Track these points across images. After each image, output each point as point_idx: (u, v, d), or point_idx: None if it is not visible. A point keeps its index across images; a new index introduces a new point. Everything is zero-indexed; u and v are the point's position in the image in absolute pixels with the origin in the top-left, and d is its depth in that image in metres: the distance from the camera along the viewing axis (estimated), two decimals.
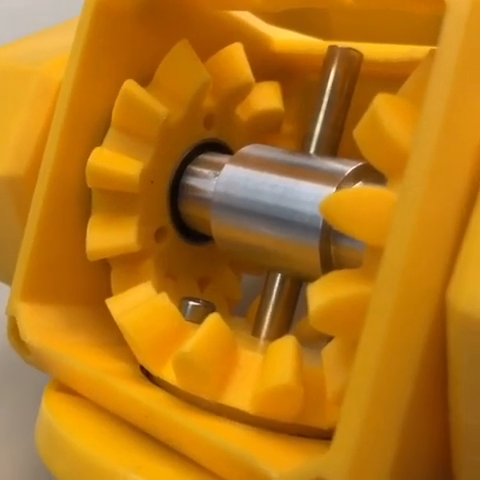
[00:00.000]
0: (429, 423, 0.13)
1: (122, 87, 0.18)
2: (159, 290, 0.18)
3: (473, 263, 0.11)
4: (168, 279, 0.20)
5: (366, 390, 0.12)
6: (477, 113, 0.12)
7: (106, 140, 0.18)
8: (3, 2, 0.39)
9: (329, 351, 0.15)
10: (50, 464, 0.16)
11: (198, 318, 0.17)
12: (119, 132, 0.18)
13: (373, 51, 0.21)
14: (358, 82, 0.20)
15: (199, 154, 0.20)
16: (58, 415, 0.17)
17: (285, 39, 0.22)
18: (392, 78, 0.17)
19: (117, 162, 0.18)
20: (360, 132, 0.14)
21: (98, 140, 0.19)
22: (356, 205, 0.13)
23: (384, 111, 0.14)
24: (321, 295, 0.14)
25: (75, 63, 0.18)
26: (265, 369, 0.15)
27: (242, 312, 0.22)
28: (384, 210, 0.13)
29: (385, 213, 0.13)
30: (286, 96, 0.23)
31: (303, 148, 0.19)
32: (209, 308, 0.18)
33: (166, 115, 0.18)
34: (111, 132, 0.18)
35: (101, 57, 0.19)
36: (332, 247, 0.17)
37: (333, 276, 0.14)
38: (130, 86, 0.18)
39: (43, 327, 0.19)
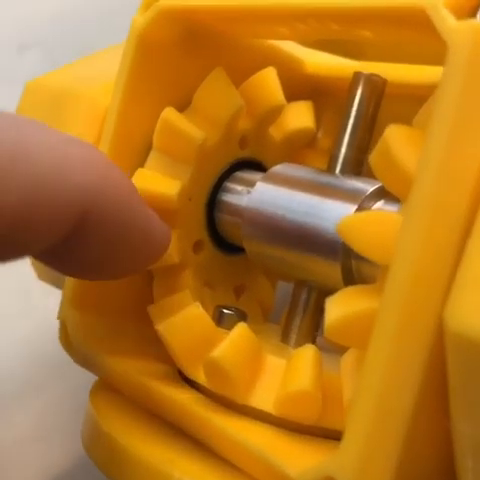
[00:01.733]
0: (432, 429, 0.14)
1: (161, 114, 0.19)
2: (197, 299, 0.19)
3: (467, 285, 0.13)
4: (205, 288, 0.22)
5: (372, 397, 0.13)
6: (477, 144, 0.13)
7: (148, 161, 0.20)
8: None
9: (346, 359, 0.16)
10: (93, 456, 0.18)
11: (231, 325, 0.19)
12: (160, 154, 0.20)
13: (401, 72, 0.22)
14: (387, 102, 0.21)
15: (235, 171, 0.22)
16: (102, 412, 0.18)
17: (317, 61, 0.24)
18: (420, 98, 0.19)
19: (157, 182, 0.19)
20: (374, 158, 0.15)
21: (142, 161, 0.20)
22: (368, 227, 0.15)
23: (394, 140, 0.15)
24: (336, 309, 0.15)
25: (120, 90, 0.20)
26: (287, 375, 0.16)
27: (279, 318, 0.23)
28: (393, 232, 0.14)
29: (394, 234, 0.14)
30: (319, 114, 0.24)
31: (329, 168, 0.20)
32: (241, 316, 0.20)
33: (202, 139, 0.20)
34: (152, 154, 0.20)
35: (143, 84, 0.20)
36: (353, 262, 0.18)
37: (349, 291, 0.16)
38: (169, 113, 0.19)
39: (90, 332, 0.20)
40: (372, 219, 0.15)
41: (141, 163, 0.20)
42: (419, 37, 0.16)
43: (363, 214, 0.15)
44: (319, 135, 0.25)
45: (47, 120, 0.22)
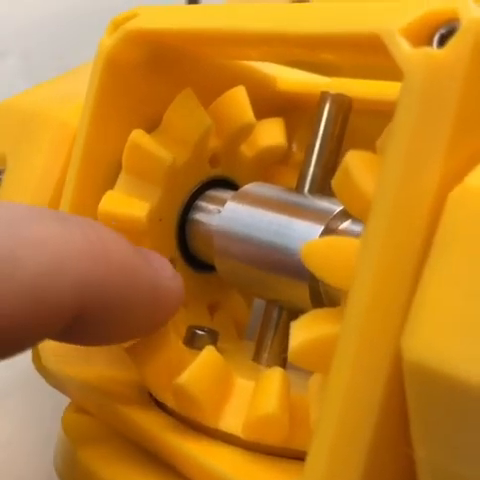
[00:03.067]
0: (393, 454, 0.14)
1: (130, 137, 0.19)
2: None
3: (423, 314, 0.13)
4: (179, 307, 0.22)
5: (333, 422, 0.14)
6: (431, 169, 0.13)
7: (117, 183, 0.20)
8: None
9: (313, 382, 0.16)
10: (63, 478, 0.18)
11: (203, 346, 0.19)
12: (129, 176, 0.20)
13: (370, 89, 0.22)
14: (358, 117, 0.21)
15: (206, 190, 0.22)
16: (73, 436, 0.19)
17: (289, 78, 0.24)
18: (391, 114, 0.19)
19: (126, 204, 0.19)
20: (335, 182, 0.15)
21: (111, 183, 0.20)
22: (328, 252, 0.15)
23: (354, 165, 0.15)
24: (300, 334, 0.15)
25: (88, 112, 0.20)
26: (254, 398, 0.16)
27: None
28: (352, 257, 0.14)
29: (352, 260, 0.14)
30: (292, 129, 0.24)
31: (298, 186, 0.20)
32: (213, 336, 0.20)
33: (171, 160, 0.20)
34: (122, 176, 0.20)
35: (111, 106, 0.20)
36: (321, 284, 0.18)
37: (313, 315, 0.16)
38: (137, 135, 0.20)
39: (61, 354, 0.20)
40: (333, 245, 0.15)
41: (110, 185, 0.20)
42: (378, 61, 0.16)
43: (324, 240, 0.15)
44: (293, 150, 0.25)
45: (17, 142, 0.22)
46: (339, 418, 0.14)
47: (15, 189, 0.21)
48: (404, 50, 0.14)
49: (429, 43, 0.14)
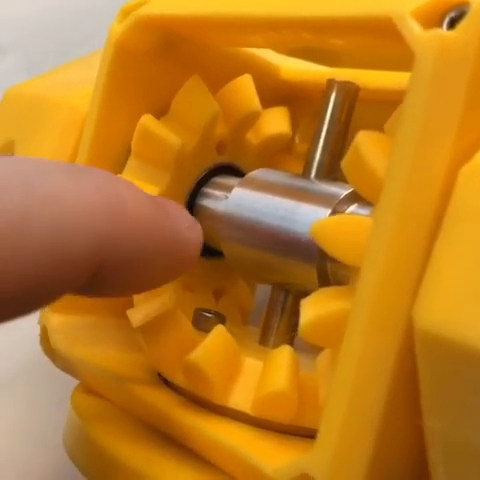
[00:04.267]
0: (404, 426, 0.14)
1: (139, 121, 0.20)
2: (177, 302, 0.20)
3: (435, 285, 0.13)
4: (186, 291, 0.22)
5: (344, 395, 0.14)
6: (442, 149, 0.14)
7: (126, 168, 0.20)
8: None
9: (322, 359, 0.16)
10: (75, 458, 0.19)
11: (210, 328, 0.19)
12: (138, 160, 0.20)
13: (374, 78, 0.22)
14: (362, 107, 0.21)
15: (213, 177, 0.22)
16: (83, 415, 0.19)
17: (293, 67, 0.24)
18: (393, 103, 0.19)
19: None
20: (345, 163, 0.16)
21: (120, 167, 0.21)
22: (339, 230, 0.15)
23: (365, 145, 0.15)
24: (310, 310, 0.15)
25: (98, 97, 0.20)
26: (263, 376, 0.17)
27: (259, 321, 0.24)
28: (364, 234, 0.15)
29: (364, 237, 0.15)
30: (297, 119, 0.25)
31: (305, 172, 0.21)
32: (220, 319, 0.20)
33: (180, 145, 0.20)
34: (131, 160, 0.20)
35: (121, 91, 0.20)
36: (328, 265, 0.18)
37: (323, 292, 0.16)
38: (146, 120, 0.20)
39: (71, 336, 0.21)
40: (344, 222, 0.15)
41: (119, 170, 0.20)
42: (389, 45, 0.16)
43: (335, 218, 0.16)
44: (296, 140, 0.25)
45: (26, 128, 0.22)
46: (350, 391, 0.14)
47: None
48: (415, 32, 0.14)
49: (439, 26, 0.15)
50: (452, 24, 0.14)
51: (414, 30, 0.14)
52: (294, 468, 0.14)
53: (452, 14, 0.15)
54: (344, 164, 0.16)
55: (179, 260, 0.17)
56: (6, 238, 0.13)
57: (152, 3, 0.20)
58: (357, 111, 0.21)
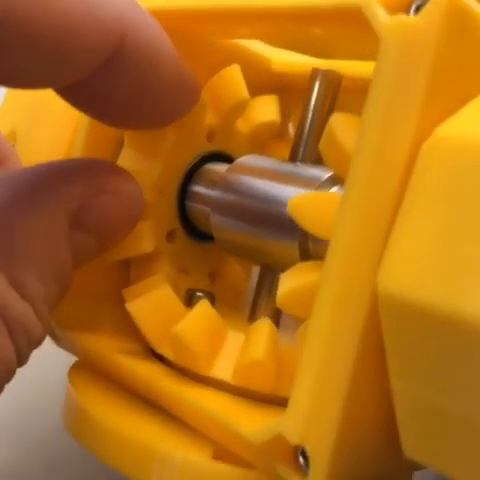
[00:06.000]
0: (372, 389, 0.15)
1: None
2: (172, 283, 0.21)
3: (396, 253, 0.14)
4: (181, 274, 0.23)
5: (314, 360, 0.15)
6: (405, 129, 0.15)
7: (120, 157, 0.21)
8: None
9: (301, 331, 0.17)
10: (75, 434, 0.20)
11: None
12: (131, 151, 0.21)
13: (357, 68, 0.23)
14: (345, 95, 0.22)
15: (204, 164, 0.23)
16: (79, 389, 0.20)
17: (283, 58, 0.25)
18: None
19: None
20: (322, 143, 0.17)
21: (115, 156, 0.22)
22: (312, 205, 0.16)
23: (338, 126, 0.16)
24: (287, 281, 0.16)
25: None
26: (244, 347, 0.18)
27: None
28: (334, 209, 0.15)
29: (334, 212, 0.15)
30: (288, 108, 0.25)
31: (291, 158, 0.22)
32: (210, 297, 0.21)
33: (172, 134, 0.21)
34: (124, 151, 0.21)
35: None
36: (310, 244, 0.19)
37: (301, 266, 0.17)
38: None
39: (70, 317, 0.22)
40: (317, 198, 0.16)
41: (114, 158, 0.21)
42: (360, 33, 0.17)
43: (310, 194, 0.17)
44: (289, 128, 0.26)
45: (27, 117, 0.23)
46: (320, 356, 0.15)
47: (25, 163, 0.22)
48: (380, 17, 0.15)
49: (406, 12, 0.15)
50: (418, 10, 0.15)
51: (380, 17, 0.15)
52: (269, 430, 0.15)
53: (419, 1, 0.15)
54: (321, 145, 0.17)
55: (184, 90, 0.19)
56: None
57: None
58: (342, 99, 0.22)
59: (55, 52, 0.15)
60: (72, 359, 0.22)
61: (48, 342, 0.22)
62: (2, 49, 0.15)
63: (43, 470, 0.25)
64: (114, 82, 0.17)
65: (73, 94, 0.18)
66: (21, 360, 0.17)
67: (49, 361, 0.25)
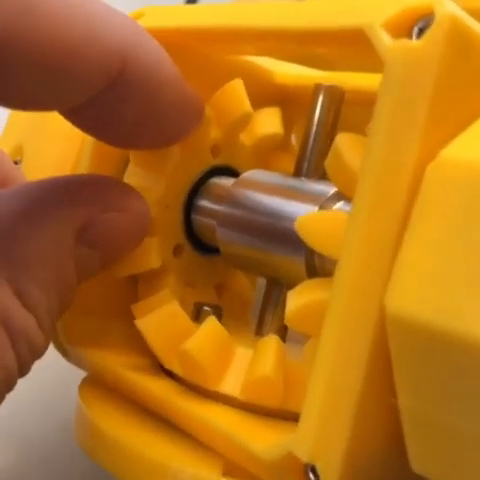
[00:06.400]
0: (380, 406, 0.15)
1: None
2: (179, 298, 0.21)
3: (403, 274, 0.14)
4: (188, 288, 0.23)
5: (323, 378, 0.15)
6: (409, 149, 0.15)
7: (126, 173, 0.22)
8: None
9: (308, 347, 0.18)
10: (86, 449, 0.20)
11: None
12: (137, 167, 0.21)
13: (361, 81, 0.23)
14: (348, 107, 0.22)
15: (209, 178, 0.23)
16: (90, 405, 0.20)
17: (286, 71, 0.25)
18: None
19: None
20: (328, 162, 0.17)
21: (121, 173, 0.22)
22: (320, 224, 0.16)
23: (343, 145, 0.16)
24: (295, 299, 0.17)
25: None
26: (252, 363, 0.18)
27: None
28: (342, 228, 0.16)
29: (343, 230, 0.16)
30: (291, 120, 0.26)
31: (296, 172, 0.22)
32: (217, 311, 0.21)
33: (176, 151, 0.21)
34: (130, 168, 0.22)
35: None
36: (316, 260, 0.19)
37: (309, 283, 0.17)
38: None
39: (79, 333, 0.22)
40: (325, 217, 0.17)
41: (120, 175, 0.22)
42: (363, 51, 0.17)
43: (317, 213, 0.17)
44: (293, 140, 0.26)
45: (33, 132, 0.24)
46: (329, 375, 0.15)
47: (32, 178, 0.23)
48: (385, 41, 0.15)
49: (409, 36, 0.16)
50: (420, 34, 0.16)
51: (384, 40, 0.15)
52: (280, 447, 0.16)
53: (420, 24, 0.16)
54: (326, 164, 0.17)
55: (187, 111, 0.19)
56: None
57: (148, 16, 0.21)
58: (346, 112, 0.22)
59: (57, 76, 0.16)
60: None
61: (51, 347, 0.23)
62: (5, 71, 0.15)
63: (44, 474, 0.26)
64: (117, 105, 0.17)
65: (76, 116, 0.18)
66: (22, 370, 0.17)
67: (50, 367, 0.26)
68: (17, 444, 0.27)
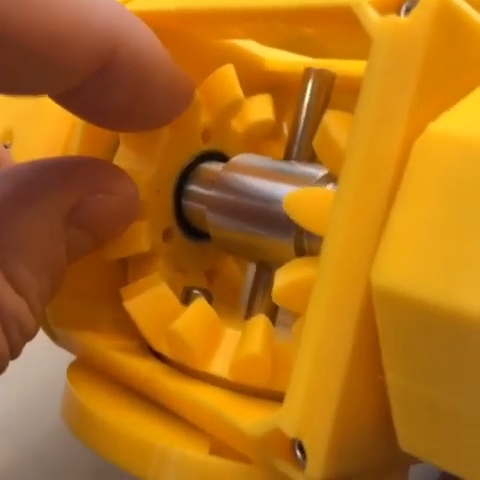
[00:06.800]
0: (367, 382, 0.15)
1: None
2: (168, 282, 0.21)
3: (390, 248, 0.14)
4: (177, 273, 0.23)
5: (310, 354, 0.15)
6: (396, 126, 0.15)
7: (116, 156, 0.22)
8: None
9: (296, 327, 0.18)
10: (74, 429, 0.20)
11: None
12: (127, 150, 0.21)
13: (350, 67, 0.23)
14: (338, 93, 0.22)
15: (200, 163, 0.23)
16: (79, 387, 0.20)
17: (277, 58, 0.25)
18: None
19: None
20: (316, 142, 0.17)
21: (111, 155, 0.22)
22: (307, 201, 0.16)
23: (331, 124, 0.16)
24: (283, 276, 0.17)
25: None
26: (240, 342, 0.18)
27: None
28: (329, 205, 0.16)
29: (330, 208, 0.16)
30: (283, 107, 0.26)
31: (286, 156, 0.22)
32: (207, 295, 0.21)
33: (167, 134, 0.21)
34: (120, 150, 0.21)
35: None
36: (305, 241, 0.19)
37: (297, 262, 0.17)
38: None
39: (68, 316, 0.22)
40: (312, 194, 0.16)
41: (110, 157, 0.22)
42: (352, 31, 0.17)
43: (305, 190, 0.17)
44: (284, 127, 0.26)
45: (23, 116, 0.24)
46: (316, 350, 0.15)
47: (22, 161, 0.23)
48: (372, 18, 0.15)
49: (397, 13, 0.16)
50: (408, 11, 0.16)
51: (371, 16, 0.15)
52: (267, 423, 0.16)
53: (409, 2, 0.16)
54: (315, 143, 0.17)
55: (177, 93, 0.19)
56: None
57: (136, 1, 0.21)
58: (336, 98, 0.22)
59: (46, 62, 0.16)
60: (71, 358, 0.22)
61: (47, 342, 0.23)
62: None
63: (40, 473, 0.25)
64: (108, 89, 0.17)
65: (67, 100, 0.18)
66: (13, 353, 0.17)
67: (48, 361, 0.26)
68: (12, 443, 0.27)
